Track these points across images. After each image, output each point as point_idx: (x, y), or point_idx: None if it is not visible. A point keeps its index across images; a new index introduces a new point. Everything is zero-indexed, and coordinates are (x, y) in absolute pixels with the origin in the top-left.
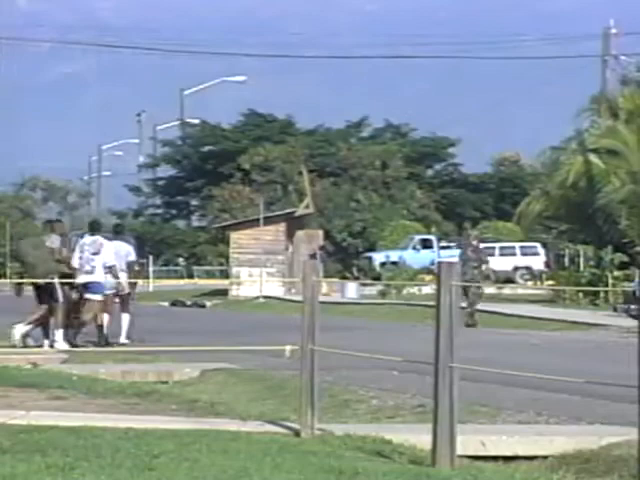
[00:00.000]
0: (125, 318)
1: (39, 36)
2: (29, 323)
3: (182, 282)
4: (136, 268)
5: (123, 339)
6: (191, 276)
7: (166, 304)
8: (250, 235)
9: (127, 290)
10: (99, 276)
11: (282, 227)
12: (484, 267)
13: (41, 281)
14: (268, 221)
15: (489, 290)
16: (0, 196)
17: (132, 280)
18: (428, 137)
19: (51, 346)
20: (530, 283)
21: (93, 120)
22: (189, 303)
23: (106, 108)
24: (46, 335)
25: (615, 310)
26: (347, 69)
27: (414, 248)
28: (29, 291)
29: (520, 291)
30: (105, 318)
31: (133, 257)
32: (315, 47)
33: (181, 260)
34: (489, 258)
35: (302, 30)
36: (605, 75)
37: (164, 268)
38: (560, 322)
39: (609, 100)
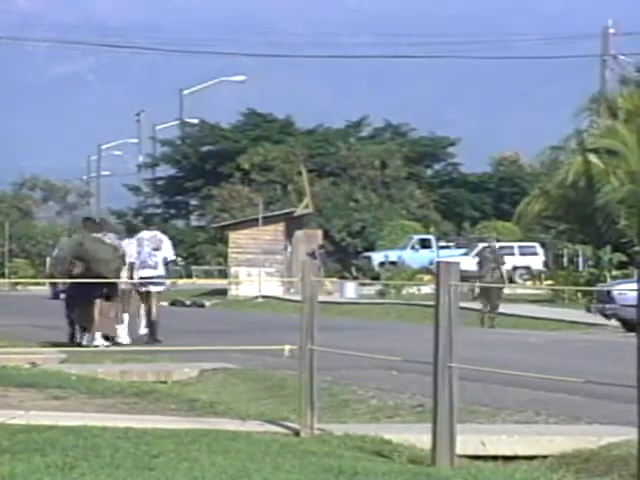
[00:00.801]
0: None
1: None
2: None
3: (181, 282)
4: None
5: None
6: (190, 276)
7: (165, 304)
8: (249, 235)
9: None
10: (161, 270)
11: (281, 227)
12: (501, 269)
13: (71, 280)
14: (267, 221)
15: None
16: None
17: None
18: (427, 137)
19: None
20: (529, 283)
21: (92, 120)
22: (188, 303)
23: (105, 108)
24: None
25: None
26: (347, 69)
27: (413, 248)
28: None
29: (519, 291)
30: (126, 316)
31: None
32: (315, 47)
33: (180, 260)
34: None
35: (302, 30)
36: (604, 75)
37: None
38: (559, 322)
39: (608, 100)
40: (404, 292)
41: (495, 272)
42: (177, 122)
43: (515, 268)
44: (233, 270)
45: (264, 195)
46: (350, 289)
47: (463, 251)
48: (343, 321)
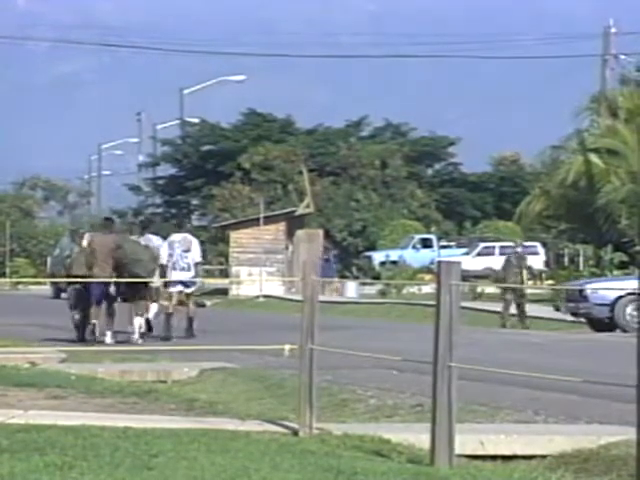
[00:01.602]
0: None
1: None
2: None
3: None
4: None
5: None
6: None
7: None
8: (250, 234)
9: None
10: (193, 271)
11: (282, 226)
12: (523, 274)
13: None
14: (268, 220)
15: (489, 290)
16: (0, 195)
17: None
18: (428, 136)
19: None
20: (530, 282)
21: (93, 119)
22: None
23: (106, 107)
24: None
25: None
26: (347, 69)
27: (414, 247)
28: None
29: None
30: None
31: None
32: (315, 47)
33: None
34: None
35: (302, 30)
36: (605, 74)
37: None
38: (559, 321)
39: (609, 99)
40: (405, 292)
41: (517, 277)
42: (177, 122)
43: None
44: (234, 270)
45: (265, 195)
46: (351, 289)
47: (464, 250)
48: (344, 321)
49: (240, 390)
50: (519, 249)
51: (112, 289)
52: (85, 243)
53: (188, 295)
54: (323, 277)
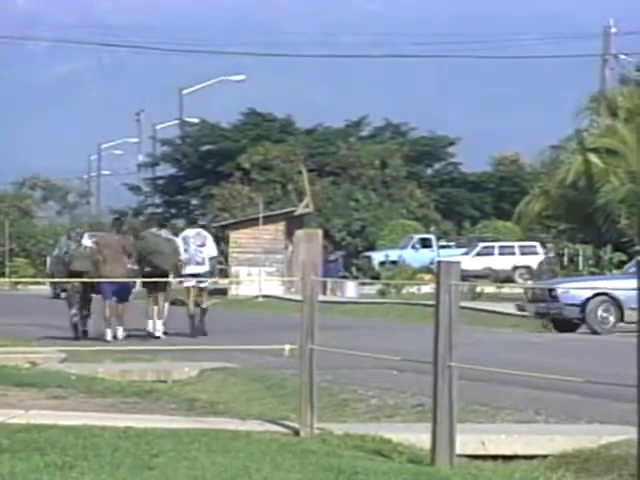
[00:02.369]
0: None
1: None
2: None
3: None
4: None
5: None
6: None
7: (166, 304)
8: (249, 234)
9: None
10: (208, 266)
11: (281, 226)
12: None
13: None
14: (267, 220)
15: (488, 289)
16: (0, 195)
17: None
18: (427, 136)
19: (114, 337)
20: (530, 282)
21: (92, 119)
22: None
23: (105, 107)
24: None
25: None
26: (347, 68)
27: (413, 247)
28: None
29: (519, 290)
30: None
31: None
32: (315, 47)
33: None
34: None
35: (302, 30)
36: (604, 74)
37: None
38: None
39: (608, 99)
40: (404, 291)
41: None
42: (177, 121)
43: (515, 267)
44: (234, 269)
45: (264, 195)
46: (350, 288)
47: (463, 250)
48: (343, 320)
49: (241, 390)
50: (551, 255)
51: (137, 285)
52: (89, 242)
53: (202, 290)
54: (330, 277)
